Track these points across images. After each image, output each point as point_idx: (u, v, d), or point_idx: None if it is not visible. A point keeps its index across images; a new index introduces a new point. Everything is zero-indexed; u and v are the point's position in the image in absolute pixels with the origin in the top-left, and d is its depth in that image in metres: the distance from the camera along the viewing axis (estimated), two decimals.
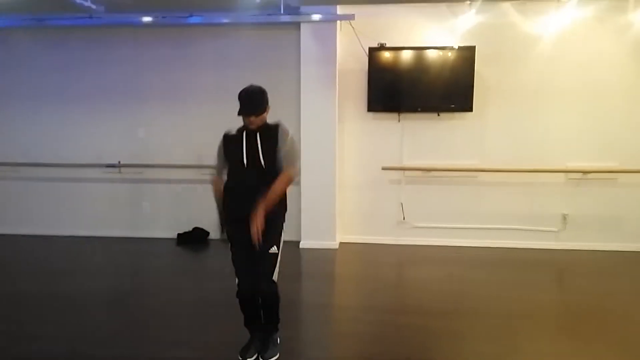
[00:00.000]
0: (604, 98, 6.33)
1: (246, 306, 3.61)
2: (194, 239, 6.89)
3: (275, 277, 3.51)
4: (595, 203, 6.50)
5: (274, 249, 3.49)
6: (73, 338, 4.01)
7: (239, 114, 3.42)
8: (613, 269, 5.92)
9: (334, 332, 3.87)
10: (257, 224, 3.32)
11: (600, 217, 6.50)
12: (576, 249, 6.46)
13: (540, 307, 4.71)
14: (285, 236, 3.59)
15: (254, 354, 3.64)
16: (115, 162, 6.99)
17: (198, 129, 6.83)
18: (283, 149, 3.48)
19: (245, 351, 3.64)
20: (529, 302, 4.81)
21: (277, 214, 3.54)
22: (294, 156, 3.54)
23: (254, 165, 3.45)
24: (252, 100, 3.43)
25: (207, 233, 6.93)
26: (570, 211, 6.53)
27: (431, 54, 6.35)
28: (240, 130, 3.55)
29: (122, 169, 7.03)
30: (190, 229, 6.98)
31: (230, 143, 3.57)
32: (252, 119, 3.42)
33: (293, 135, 3.56)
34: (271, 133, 3.50)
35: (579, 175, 6.45)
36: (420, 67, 6.38)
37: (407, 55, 6.38)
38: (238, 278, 3.54)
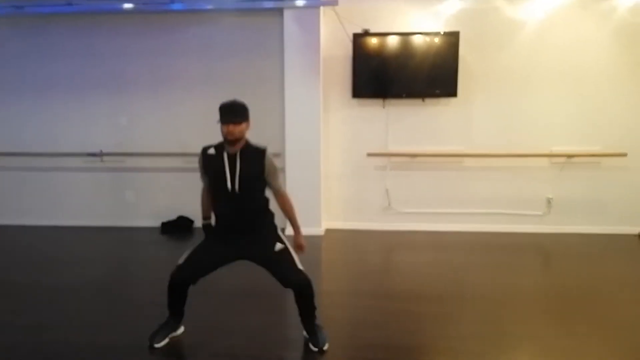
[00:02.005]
0: (587, 82, 6.37)
1: (174, 292, 3.63)
2: (178, 227, 6.86)
3: (299, 266, 3.55)
4: (579, 187, 6.55)
5: (278, 246, 3.55)
6: (58, 327, 3.97)
7: (220, 121, 3.37)
8: (597, 252, 5.99)
9: (321, 317, 3.87)
10: (303, 245, 3.73)
11: (584, 200, 6.56)
12: (560, 232, 6.53)
13: (525, 290, 4.75)
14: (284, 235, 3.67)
15: (163, 339, 3.65)
16: (97, 150, 6.91)
17: (181, 116, 6.78)
18: (273, 176, 3.57)
19: (153, 336, 3.64)
20: (515, 285, 4.85)
21: (270, 234, 3.66)
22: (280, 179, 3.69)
23: (236, 189, 3.44)
24: (234, 109, 3.40)
25: (192, 221, 6.89)
26: (555, 195, 6.58)
27: (415, 40, 6.32)
28: (218, 149, 3.50)
29: (105, 158, 6.95)
30: (175, 217, 6.94)
31: (211, 162, 3.53)
32: (231, 128, 3.35)
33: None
34: (255, 157, 3.48)
35: (563, 159, 6.49)
36: (404, 52, 6.35)
37: (391, 41, 6.35)
38: (184, 264, 3.56)
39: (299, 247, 3.69)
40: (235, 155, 3.44)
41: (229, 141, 3.41)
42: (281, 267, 3.51)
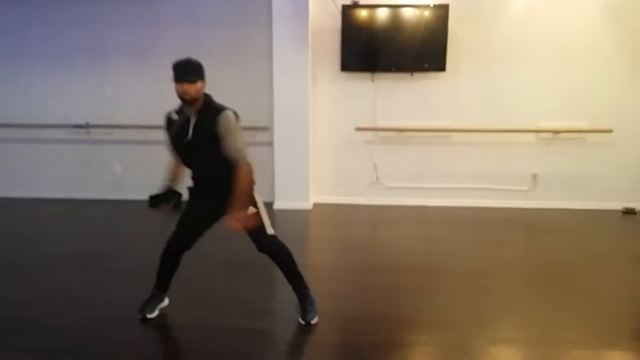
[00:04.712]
0: (575, 58, 6.38)
1: (168, 260, 3.66)
2: (165, 200, 6.81)
3: (270, 231, 3.49)
4: (564, 162, 6.60)
5: (250, 210, 3.43)
6: (45, 300, 3.97)
7: (174, 80, 3.33)
8: (581, 227, 6.06)
9: None
10: (238, 225, 3.28)
11: (570, 176, 6.62)
12: (546, 208, 6.60)
13: (509, 263, 4.81)
14: (259, 197, 3.55)
15: (153, 310, 3.68)
16: (83, 122, 6.83)
17: (168, 87, 6.66)
18: (226, 138, 3.29)
19: (144, 307, 3.66)
20: (499, 259, 4.91)
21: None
22: (239, 144, 3.32)
23: (192, 148, 3.41)
24: (188, 67, 3.33)
25: (180, 194, 6.85)
26: (541, 170, 6.62)
27: (405, 12, 6.27)
28: (179, 112, 3.46)
29: (91, 130, 6.88)
30: (163, 190, 6.89)
31: (171, 125, 3.51)
32: (186, 87, 3.28)
33: (236, 121, 3.33)
34: (212, 115, 3.33)
35: (550, 134, 6.52)
36: (394, 25, 6.30)
37: (381, 14, 6.30)
38: (177, 229, 3.65)
39: (229, 224, 3.32)
40: (193, 115, 3.38)
41: (185, 100, 3.34)
42: (251, 230, 3.44)
